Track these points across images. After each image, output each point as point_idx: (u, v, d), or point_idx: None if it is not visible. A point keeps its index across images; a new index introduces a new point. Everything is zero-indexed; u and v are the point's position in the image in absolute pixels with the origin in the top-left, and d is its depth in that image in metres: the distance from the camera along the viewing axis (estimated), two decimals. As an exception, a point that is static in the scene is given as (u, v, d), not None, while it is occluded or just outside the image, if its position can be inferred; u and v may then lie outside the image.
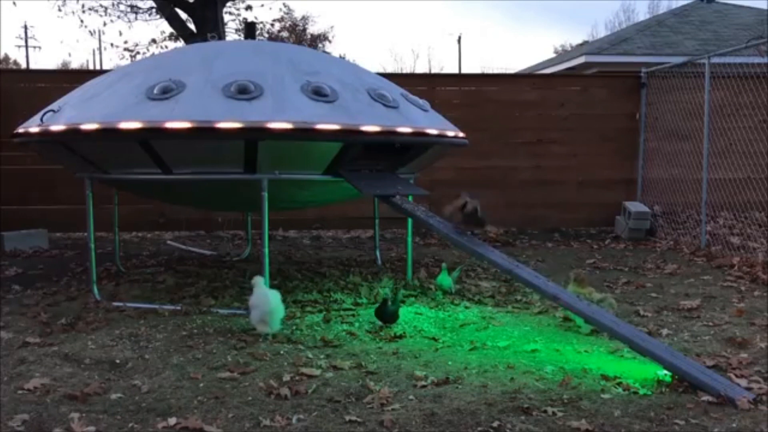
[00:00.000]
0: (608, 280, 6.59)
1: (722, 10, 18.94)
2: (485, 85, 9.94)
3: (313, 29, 30.87)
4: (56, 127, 5.31)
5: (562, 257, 7.91)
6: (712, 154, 8.36)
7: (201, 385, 3.73)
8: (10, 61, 48.95)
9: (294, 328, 4.82)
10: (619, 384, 3.73)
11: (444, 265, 5.92)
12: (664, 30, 17.34)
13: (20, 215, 8.89)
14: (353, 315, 5.19)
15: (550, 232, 9.61)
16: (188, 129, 4.94)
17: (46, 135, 5.42)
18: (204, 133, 4.96)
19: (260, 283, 4.68)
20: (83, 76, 8.05)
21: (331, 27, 55.97)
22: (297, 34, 29.06)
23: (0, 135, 8.31)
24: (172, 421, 3.23)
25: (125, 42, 21.39)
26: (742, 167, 8.42)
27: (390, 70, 42.25)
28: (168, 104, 5.07)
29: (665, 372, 3.79)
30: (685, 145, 8.96)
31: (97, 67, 37.28)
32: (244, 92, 5.13)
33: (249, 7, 17.03)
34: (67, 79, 8.78)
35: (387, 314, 4.85)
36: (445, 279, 5.83)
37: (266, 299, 4.57)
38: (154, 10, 16.86)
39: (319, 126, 5.07)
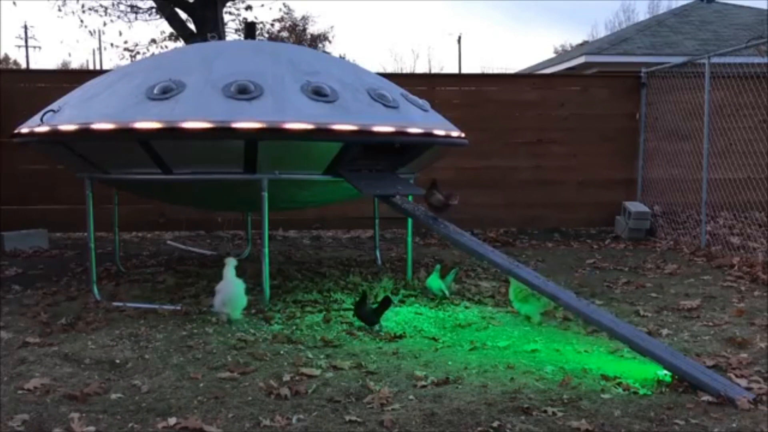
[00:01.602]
0: (608, 280, 6.59)
1: (722, 10, 18.94)
2: (485, 85, 9.93)
3: (313, 29, 30.90)
4: (56, 127, 5.31)
5: (562, 257, 7.91)
6: (712, 154, 8.36)
7: (201, 385, 3.73)
8: (10, 61, 48.97)
9: (294, 328, 4.82)
10: (619, 384, 3.73)
11: (437, 266, 5.85)
12: (664, 30, 17.34)
13: (20, 215, 8.89)
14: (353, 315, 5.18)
15: (550, 232, 9.61)
16: (188, 129, 4.94)
17: (46, 135, 5.42)
18: (204, 133, 4.97)
19: (230, 264, 4.99)
20: (83, 76, 8.05)
21: (331, 27, 55.95)
22: (297, 34, 29.05)
23: (0, 135, 8.31)
24: (172, 421, 3.23)
25: (125, 42, 21.40)
26: (742, 167, 8.42)
27: (390, 70, 42.27)
28: (168, 104, 5.08)
29: (665, 372, 3.79)
30: (685, 145, 8.95)
31: (97, 67, 37.30)
32: (244, 92, 5.14)
33: (249, 7, 17.04)
34: (67, 79, 8.78)
35: (366, 314, 4.82)
36: (435, 281, 5.68)
37: (229, 285, 4.89)
38: (154, 10, 16.87)
39: (319, 126, 5.07)
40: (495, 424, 3.23)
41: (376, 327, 4.80)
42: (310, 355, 4.22)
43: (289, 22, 27.71)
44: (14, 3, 20.88)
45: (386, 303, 4.87)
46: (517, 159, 9.72)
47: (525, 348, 4.40)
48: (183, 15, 14.07)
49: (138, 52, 17.97)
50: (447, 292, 5.67)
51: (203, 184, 5.60)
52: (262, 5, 37.22)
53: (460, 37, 63.67)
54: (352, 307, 5.41)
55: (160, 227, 9.41)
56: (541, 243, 8.96)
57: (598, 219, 9.79)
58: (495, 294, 5.92)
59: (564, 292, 4.47)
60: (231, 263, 5.04)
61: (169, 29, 16.22)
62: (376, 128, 5.28)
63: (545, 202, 9.76)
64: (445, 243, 8.33)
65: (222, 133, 4.98)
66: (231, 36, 18.39)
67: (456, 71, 40.56)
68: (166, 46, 18.10)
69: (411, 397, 3.57)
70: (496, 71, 35.87)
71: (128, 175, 5.61)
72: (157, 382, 3.76)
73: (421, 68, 55.07)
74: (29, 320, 5.01)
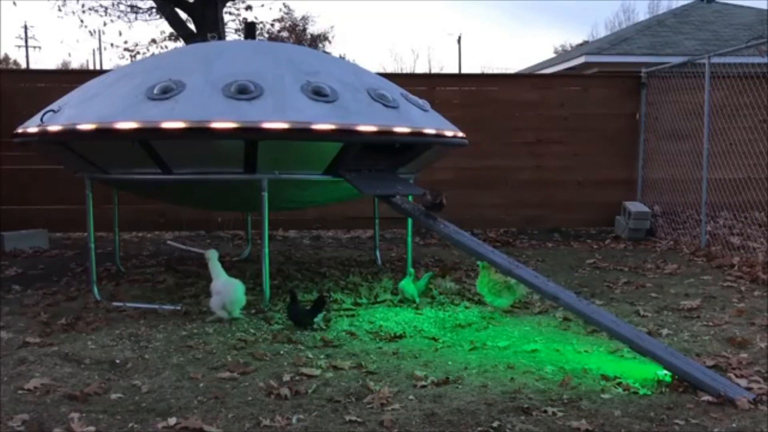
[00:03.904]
0: (608, 280, 6.58)
1: (722, 10, 18.94)
2: (485, 85, 9.93)
3: (313, 29, 30.90)
4: (56, 127, 5.31)
5: (562, 257, 7.91)
6: (712, 154, 8.36)
7: (201, 385, 3.73)
8: (10, 61, 48.97)
9: (294, 328, 4.82)
10: (619, 384, 3.73)
11: (410, 270, 5.71)
12: (664, 30, 17.34)
13: (20, 215, 8.89)
14: (353, 315, 5.19)
15: (550, 232, 9.61)
16: (188, 129, 4.94)
17: (46, 135, 5.42)
18: (204, 133, 4.97)
19: (214, 258, 5.05)
20: (83, 76, 8.05)
21: (331, 27, 55.94)
22: (297, 34, 29.06)
23: (0, 135, 8.31)
24: (172, 421, 3.23)
25: (125, 42, 21.44)
26: (742, 167, 8.42)
27: (390, 70, 42.32)
28: (168, 104, 5.08)
29: (665, 372, 3.79)
30: (685, 145, 8.96)
31: (97, 67, 37.30)
32: (244, 92, 5.14)
33: (249, 7, 17.04)
34: (67, 79, 8.78)
35: (297, 314, 4.80)
36: (409, 285, 5.54)
37: (231, 288, 4.92)
38: (154, 10, 16.87)
39: (319, 126, 5.07)
40: (495, 424, 3.23)
41: (311, 328, 4.77)
42: (310, 355, 4.22)
43: (289, 22, 27.71)
44: (14, 3, 20.84)
45: (320, 303, 4.86)
46: (517, 159, 9.72)
47: (525, 348, 4.40)
48: (183, 15, 14.07)
49: (138, 52, 17.99)
50: (417, 299, 5.51)
51: (203, 184, 5.60)
52: (262, 5, 37.28)
53: (460, 37, 63.61)
54: (353, 307, 5.42)
55: (160, 227, 9.41)
56: (541, 243, 8.96)
57: (598, 219, 9.79)
58: (495, 294, 5.92)
59: (564, 292, 4.46)
60: (214, 256, 5.07)
61: (169, 29, 16.24)
62: (376, 128, 5.28)
63: (545, 202, 9.76)
64: (445, 243, 8.33)
65: (222, 133, 4.98)
66: (231, 36, 18.40)
67: (456, 71, 40.58)
68: (166, 46, 18.12)
69: (411, 397, 3.57)
70: (496, 71, 35.99)
71: (128, 175, 5.60)
72: (157, 382, 3.76)
73: (421, 68, 55.21)
74: (29, 320, 5.01)
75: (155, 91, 5.16)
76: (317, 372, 3.90)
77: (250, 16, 19.29)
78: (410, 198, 5.84)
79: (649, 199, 9.61)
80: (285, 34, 27.21)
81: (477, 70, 49.89)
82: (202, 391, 3.63)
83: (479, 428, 3.20)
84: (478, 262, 5.33)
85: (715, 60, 8.21)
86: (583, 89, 9.95)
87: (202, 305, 5.34)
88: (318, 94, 5.29)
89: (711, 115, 8.27)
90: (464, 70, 47.24)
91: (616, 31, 29.37)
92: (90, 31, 43.62)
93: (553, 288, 4.44)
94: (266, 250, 5.35)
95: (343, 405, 3.46)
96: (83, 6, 18.49)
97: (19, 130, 5.85)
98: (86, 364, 4.05)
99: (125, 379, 3.82)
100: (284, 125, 5.00)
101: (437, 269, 6.84)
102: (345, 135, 5.17)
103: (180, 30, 14.31)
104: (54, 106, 5.70)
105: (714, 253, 7.73)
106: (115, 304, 5.43)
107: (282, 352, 4.29)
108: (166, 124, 4.95)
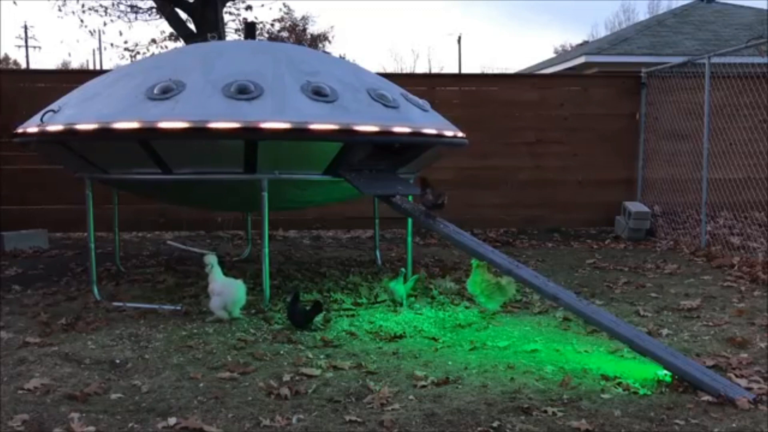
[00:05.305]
0: (608, 280, 6.58)
1: (722, 10, 18.94)
2: (485, 85, 9.93)
3: (313, 29, 30.87)
4: (56, 127, 5.31)
5: (562, 257, 7.91)
6: (712, 154, 8.36)
7: (201, 385, 3.73)
8: (10, 61, 48.94)
9: (294, 327, 4.82)
10: (619, 384, 3.73)
11: (402, 270, 5.61)
12: (664, 30, 17.34)
13: (20, 215, 8.89)
14: (353, 315, 5.19)
15: (550, 232, 9.61)
16: (187, 129, 4.95)
17: (45, 135, 5.42)
18: (203, 133, 4.97)
19: (215, 263, 5.03)
20: (83, 76, 8.04)
21: (331, 27, 55.69)
22: (297, 34, 29.04)
23: (0, 135, 8.31)
24: (172, 421, 3.23)
25: (125, 42, 21.46)
26: (742, 167, 8.41)
27: (390, 70, 42.30)
28: (168, 104, 5.08)
29: (665, 372, 3.79)
30: (685, 145, 8.96)
31: (97, 67, 37.29)
32: (243, 92, 5.14)
33: (249, 7, 17.05)
34: (67, 79, 8.77)
35: (296, 314, 4.78)
36: (399, 286, 5.41)
37: (231, 288, 4.94)
38: (154, 10, 16.89)
39: (319, 126, 5.07)
40: (495, 424, 3.23)
41: (310, 328, 4.75)
42: (310, 355, 4.22)
43: (289, 22, 27.68)
44: (14, 2, 20.83)
45: (317, 308, 4.84)
46: (517, 159, 9.71)
47: (525, 348, 4.40)
48: (183, 15, 14.08)
49: (138, 52, 18.00)
50: (404, 301, 5.40)
51: (203, 184, 5.60)
52: (262, 5, 37.21)
53: (460, 37, 63.50)
54: (353, 307, 5.42)
55: (160, 227, 9.41)
56: (541, 243, 8.95)
57: (598, 219, 9.78)
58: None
59: (565, 292, 4.46)
60: (215, 261, 5.05)
61: (169, 29, 16.26)
62: (376, 128, 5.28)
63: (545, 202, 9.76)
64: (445, 243, 8.33)
65: (222, 133, 4.98)
66: (231, 36, 18.41)
67: (456, 71, 40.57)
68: (166, 46, 18.14)
69: (411, 397, 3.57)
70: (496, 71, 35.94)
71: (128, 175, 5.61)
72: (157, 382, 3.76)
73: (421, 68, 55.14)
74: (29, 320, 5.01)
75: (155, 91, 5.17)
76: (317, 372, 3.90)
77: (250, 16, 19.30)
78: (410, 198, 5.84)
79: (649, 199, 9.60)
80: (285, 34, 27.19)
81: (477, 70, 49.89)
82: (202, 391, 3.63)
83: (479, 428, 3.20)
84: (473, 261, 5.33)
85: (715, 60, 8.20)
86: (583, 89, 9.94)
87: (202, 305, 5.34)
88: (318, 94, 5.29)
89: (711, 115, 8.27)
90: (464, 70, 47.23)
91: (616, 31, 29.38)
92: (90, 31, 43.75)
93: (553, 288, 4.44)
94: (266, 250, 5.35)
95: (343, 405, 3.46)
96: (83, 6, 18.42)
97: (19, 130, 5.85)
98: (86, 364, 4.05)
99: (125, 379, 3.82)
100: (284, 125, 5.01)
101: (437, 269, 6.85)
102: (345, 135, 5.17)
103: (180, 30, 14.33)
104: (54, 106, 5.70)
105: (714, 253, 7.72)
106: (115, 304, 5.43)
107: (282, 352, 4.30)
108: (166, 124, 4.96)
